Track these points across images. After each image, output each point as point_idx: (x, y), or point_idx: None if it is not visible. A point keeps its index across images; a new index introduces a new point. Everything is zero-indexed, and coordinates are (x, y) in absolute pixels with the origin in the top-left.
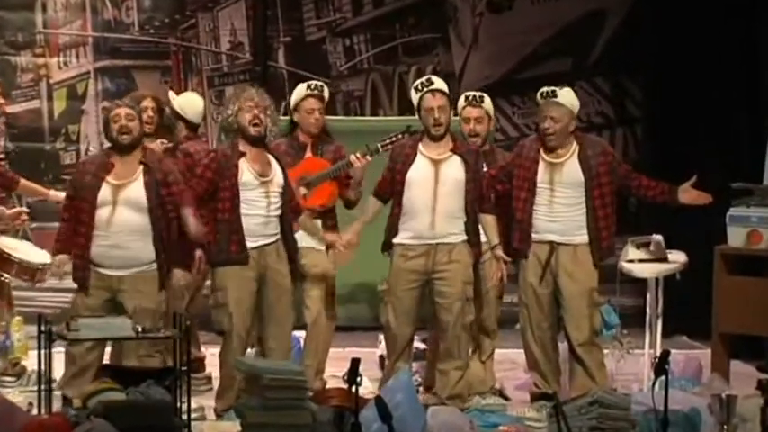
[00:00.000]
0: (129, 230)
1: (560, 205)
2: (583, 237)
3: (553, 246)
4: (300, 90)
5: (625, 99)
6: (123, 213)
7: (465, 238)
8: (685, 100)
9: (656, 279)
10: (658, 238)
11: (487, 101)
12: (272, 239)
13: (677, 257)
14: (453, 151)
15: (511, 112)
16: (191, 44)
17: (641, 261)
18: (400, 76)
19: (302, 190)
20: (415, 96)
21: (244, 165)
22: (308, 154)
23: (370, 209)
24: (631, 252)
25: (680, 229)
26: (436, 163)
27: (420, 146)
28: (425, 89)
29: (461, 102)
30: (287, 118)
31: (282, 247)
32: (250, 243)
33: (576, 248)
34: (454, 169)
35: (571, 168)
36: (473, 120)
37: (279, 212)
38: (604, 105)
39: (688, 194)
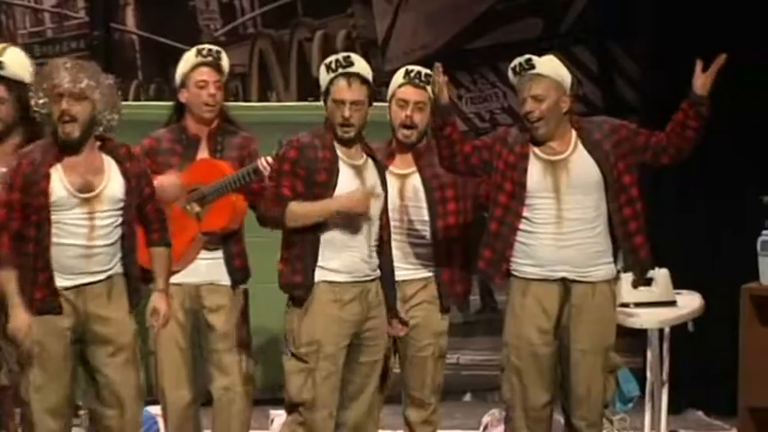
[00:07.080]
0: None
1: (574, 222)
2: (602, 269)
3: (566, 284)
4: (188, 58)
5: (616, 77)
6: None
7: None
8: None
9: (660, 330)
10: (663, 272)
11: None
12: (99, 277)
13: (689, 301)
14: (367, 152)
15: (457, 97)
16: None
17: (639, 305)
18: (300, 44)
19: (194, 207)
20: (324, 77)
21: (56, 175)
22: (203, 152)
23: None
24: (626, 292)
25: (693, 261)
26: (359, 171)
27: (336, 147)
28: (340, 70)
29: (399, 77)
30: (153, 103)
31: (120, 286)
32: (64, 281)
33: (596, 287)
34: (376, 177)
35: (580, 164)
36: (412, 104)
37: (111, 241)
38: (587, 86)
39: (700, 81)
